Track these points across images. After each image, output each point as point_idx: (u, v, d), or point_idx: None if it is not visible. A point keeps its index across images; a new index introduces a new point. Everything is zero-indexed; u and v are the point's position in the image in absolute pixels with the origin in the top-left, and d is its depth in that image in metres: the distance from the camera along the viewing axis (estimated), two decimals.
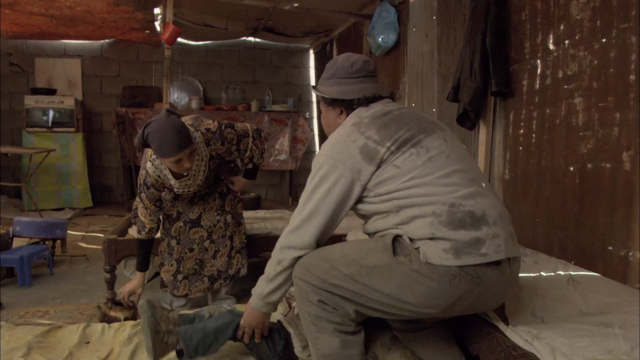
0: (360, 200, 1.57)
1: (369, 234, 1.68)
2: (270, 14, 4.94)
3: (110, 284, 2.86)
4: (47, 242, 3.83)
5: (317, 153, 1.64)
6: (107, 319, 2.44)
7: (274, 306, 1.75)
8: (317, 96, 1.85)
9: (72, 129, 5.96)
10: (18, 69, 6.40)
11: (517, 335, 1.53)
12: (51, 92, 6.04)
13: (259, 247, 2.97)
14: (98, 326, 2.25)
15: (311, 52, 6.99)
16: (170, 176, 2.38)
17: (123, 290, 2.50)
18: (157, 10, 5.27)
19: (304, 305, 1.58)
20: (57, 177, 5.98)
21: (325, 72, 1.75)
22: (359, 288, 1.50)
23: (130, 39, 6.38)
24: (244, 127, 2.51)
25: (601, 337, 1.39)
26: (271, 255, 1.68)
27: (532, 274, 2.02)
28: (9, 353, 1.94)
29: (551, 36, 2.50)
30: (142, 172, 2.45)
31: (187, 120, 2.43)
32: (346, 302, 1.53)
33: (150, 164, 2.36)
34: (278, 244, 1.65)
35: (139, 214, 2.53)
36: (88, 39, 6.42)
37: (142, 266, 2.55)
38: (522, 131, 2.71)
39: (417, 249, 1.45)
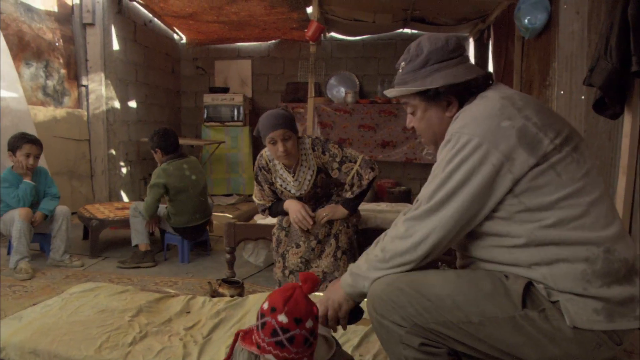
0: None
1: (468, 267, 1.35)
2: (415, 3, 4.80)
3: (230, 263, 3.13)
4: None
5: (451, 130, 1.27)
6: (215, 294, 2.69)
7: (359, 295, 1.38)
8: (402, 98, 1.43)
9: (240, 123, 6.61)
10: (202, 71, 7.34)
11: None
12: (224, 90, 6.79)
13: (364, 240, 2.94)
14: (200, 299, 2.50)
15: (471, 40, 6.60)
16: (279, 167, 2.66)
17: (297, 217, 2.57)
18: (309, 10, 5.53)
19: (398, 348, 1.27)
20: (227, 166, 6.72)
21: (409, 63, 1.38)
22: (465, 337, 1.21)
23: (293, 38, 6.81)
24: (354, 153, 2.62)
25: None
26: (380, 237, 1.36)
27: None
28: (122, 312, 2.27)
29: None
30: (259, 156, 2.75)
31: (308, 134, 2.81)
32: (449, 340, 1.26)
33: (267, 149, 2.65)
34: (389, 232, 1.33)
35: (255, 198, 2.83)
36: (257, 41, 7.05)
37: (280, 210, 2.71)
38: None
39: (554, 303, 1.16)
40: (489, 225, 1.23)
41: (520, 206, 1.17)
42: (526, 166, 1.15)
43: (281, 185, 2.71)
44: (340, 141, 6.40)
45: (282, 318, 1.17)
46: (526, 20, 3.78)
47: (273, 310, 1.19)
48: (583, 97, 3.23)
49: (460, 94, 1.34)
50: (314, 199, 2.75)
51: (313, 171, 2.64)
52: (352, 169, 2.58)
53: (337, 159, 2.59)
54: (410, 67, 1.37)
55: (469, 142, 1.20)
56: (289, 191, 2.69)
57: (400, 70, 1.42)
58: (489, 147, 1.17)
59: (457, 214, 1.20)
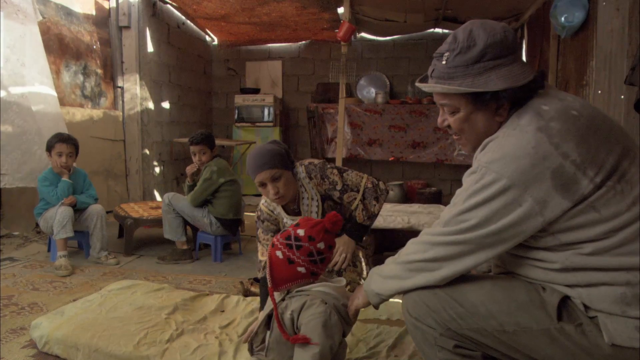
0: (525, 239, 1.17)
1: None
2: (447, 2, 4.75)
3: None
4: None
5: (480, 161, 1.18)
6: (248, 294, 2.72)
7: (378, 298, 1.39)
8: (441, 96, 1.24)
9: (271, 124, 6.66)
10: (233, 72, 7.43)
11: None
12: (255, 91, 6.85)
13: (395, 241, 2.94)
14: (235, 298, 2.53)
15: None
16: (283, 213, 2.24)
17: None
18: (340, 10, 5.54)
19: (432, 350, 1.28)
20: None
21: (457, 55, 1.17)
22: (499, 345, 1.20)
23: (323, 39, 6.84)
24: (355, 179, 2.18)
25: None
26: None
27: None
28: (159, 310, 2.32)
29: None
30: (257, 210, 2.34)
31: (301, 161, 2.25)
32: (483, 347, 1.26)
33: (264, 200, 2.27)
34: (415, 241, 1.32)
35: (258, 254, 2.31)
36: (287, 42, 7.10)
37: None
38: None
39: (592, 318, 1.12)
40: (522, 251, 1.21)
41: (556, 241, 1.13)
42: (559, 210, 1.09)
43: None
44: (370, 142, 6.38)
45: (320, 245, 1.57)
46: (563, 19, 3.70)
47: (311, 239, 1.56)
48: (623, 96, 3.15)
49: (515, 97, 1.18)
50: None
51: (317, 200, 2.21)
52: (355, 199, 2.19)
53: (338, 187, 2.18)
54: (459, 60, 1.17)
55: (495, 181, 1.11)
56: None
57: (444, 62, 1.19)
58: (519, 190, 1.09)
59: (467, 256, 1.20)
